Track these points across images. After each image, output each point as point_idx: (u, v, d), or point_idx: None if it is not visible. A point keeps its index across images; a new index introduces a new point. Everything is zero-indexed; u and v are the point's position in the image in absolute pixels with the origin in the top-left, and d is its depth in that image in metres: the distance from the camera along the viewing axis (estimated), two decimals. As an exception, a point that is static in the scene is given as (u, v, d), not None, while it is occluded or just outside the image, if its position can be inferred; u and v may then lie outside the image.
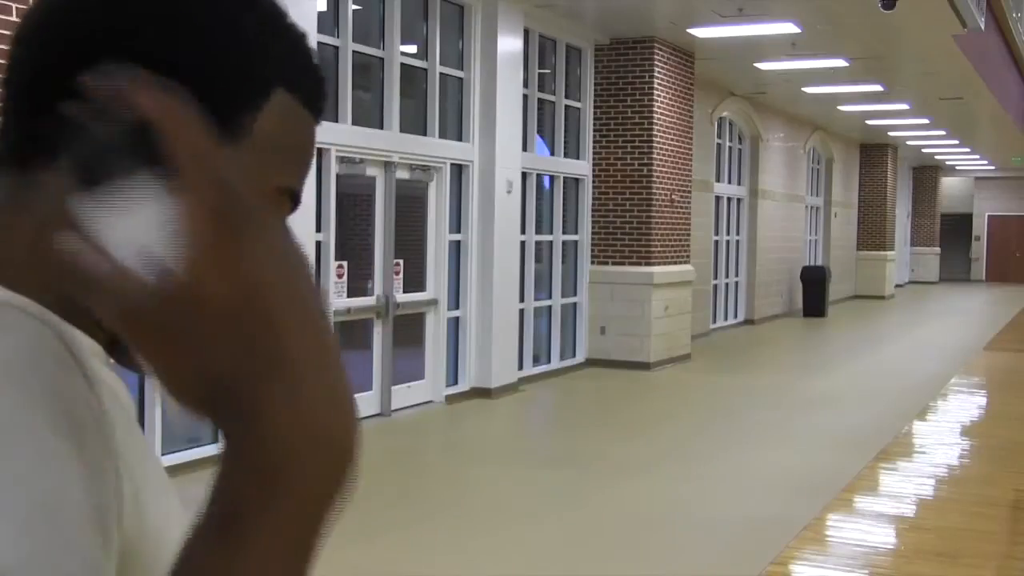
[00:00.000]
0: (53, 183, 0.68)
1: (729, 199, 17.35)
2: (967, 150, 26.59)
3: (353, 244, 8.91)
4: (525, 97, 10.77)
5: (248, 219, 0.52)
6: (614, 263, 12.17)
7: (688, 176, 13.02)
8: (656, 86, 11.96)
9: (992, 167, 31.92)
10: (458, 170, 9.93)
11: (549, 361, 11.83)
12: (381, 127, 8.99)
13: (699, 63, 12.93)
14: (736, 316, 17.88)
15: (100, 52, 0.67)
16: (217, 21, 0.70)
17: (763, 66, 13.71)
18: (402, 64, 9.13)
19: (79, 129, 0.52)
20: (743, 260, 18.09)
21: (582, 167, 12.15)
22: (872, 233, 25.18)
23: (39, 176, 0.68)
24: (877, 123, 20.55)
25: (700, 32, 11.56)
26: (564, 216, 12.01)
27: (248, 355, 0.52)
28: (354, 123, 8.57)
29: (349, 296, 8.66)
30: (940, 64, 13.76)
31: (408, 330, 9.40)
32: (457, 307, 10.03)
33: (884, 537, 6.11)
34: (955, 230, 34.23)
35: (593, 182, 12.23)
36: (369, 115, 8.98)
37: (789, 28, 11.22)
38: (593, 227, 12.25)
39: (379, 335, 9.03)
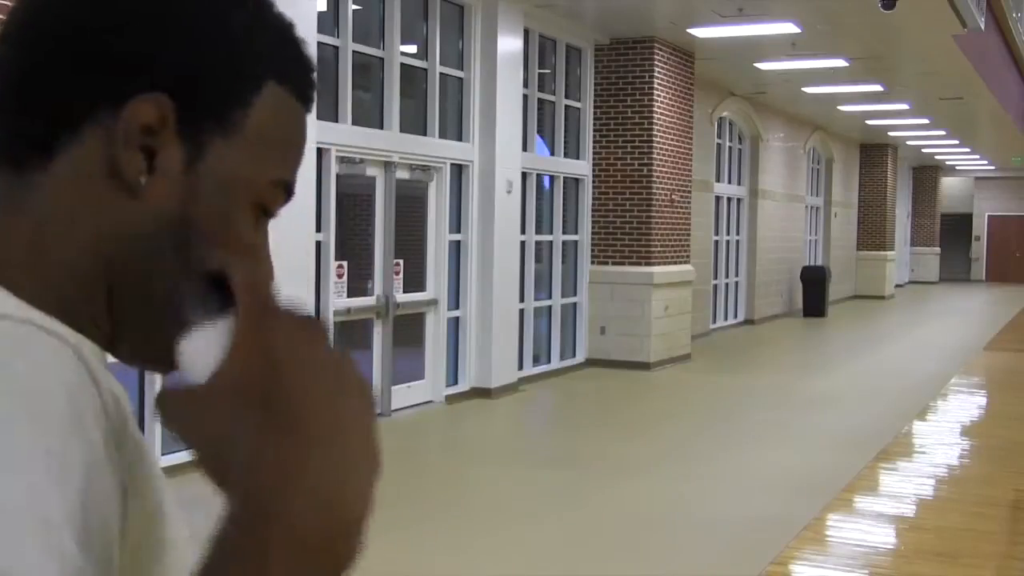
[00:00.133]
0: (48, 184, 0.68)
1: (729, 199, 17.35)
2: (967, 150, 26.58)
3: (353, 244, 8.91)
4: (525, 97, 10.77)
5: (287, 325, 0.61)
6: (614, 263, 12.17)
7: (688, 176, 13.02)
8: (656, 86, 11.96)
9: (992, 167, 31.91)
10: (458, 170, 9.93)
11: (549, 361, 11.83)
12: (381, 127, 8.99)
13: (699, 63, 12.93)
14: (736, 316, 17.88)
15: (87, 51, 0.67)
16: (206, 18, 0.70)
17: (763, 66, 13.71)
18: (402, 64, 9.13)
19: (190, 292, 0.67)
20: (743, 260, 18.09)
21: (582, 167, 12.15)
22: (872, 233, 25.18)
23: (34, 177, 0.68)
24: (877, 123, 20.55)
25: (700, 32, 11.56)
26: (564, 216, 12.01)
27: (258, 430, 0.57)
28: (354, 123, 8.57)
29: (349, 296, 8.66)
30: (940, 64, 13.76)
31: (408, 330, 9.40)
32: (457, 307, 10.03)
33: (884, 537, 6.11)
34: (955, 230, 34.23)
35: (593, 182, 12.23)
36: (369, 115, 8.98)
37: (789, 28, 11.22)
38: (593, 227, 12.25)
39: (379, 335, 9.03)
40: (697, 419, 9.75)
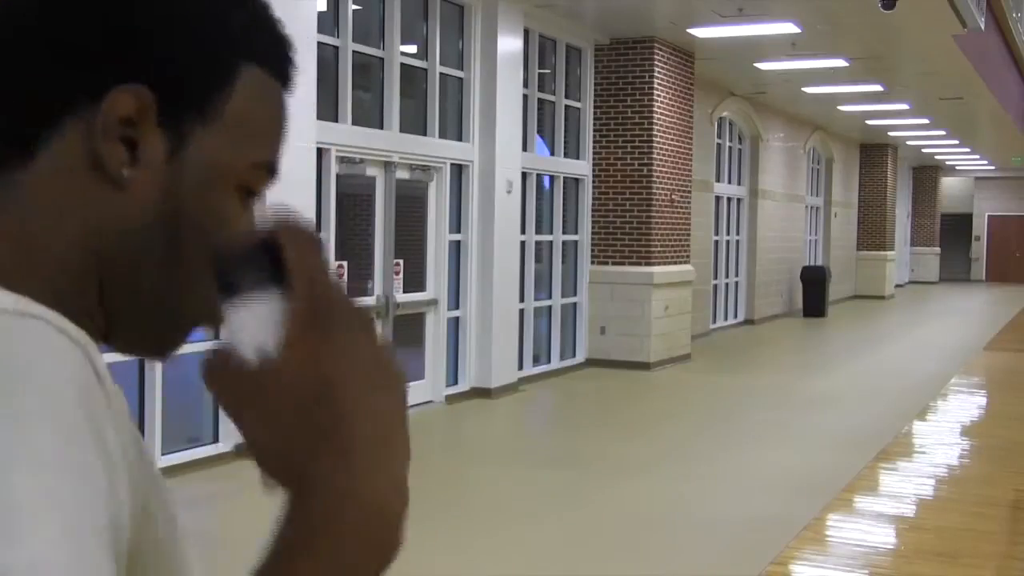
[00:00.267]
0: (31, 182, 0.67)
1: (729, 199, 17.35)
2: (967, 150, 26.58)
3: (353, 244, 8.91)
4: (525, 97, 10.77)
5: (340, 325, 0.63)
6: (614, 263, 12.17)
7: (688, 176, 13.02)
8: (656, 86, 11.96)
9: (992, 167, 31.91)
10: (458, 170, 9.93)
11: (549, 361, 11.83)
12: (381, 127, 8.99)
13: (699, 63, 12.93)
14: (736, 316, 17.87)
15: (62, 45, 0.67)
16: (179, 5, 0.69)
17: (763, 66, 13.71)
18: (402, 64, 9.12)
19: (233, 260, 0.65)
20: (743, 260, 18.08)
21: (582, 167, 12.15)
22: (872, 233, 25.18)
23: (16, 176, 0.68)
24: (877, 123, 20.54)
25: (700, 32, 11.56)
26: (564, 216, 12.01)
27: (309, 435, 0.61)
28: (354, 123, 8.57)
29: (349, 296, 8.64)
30: (940, 64, 13.76)
31: (408, 330, 9.40)
32: (457, 307, 10.03)
33: (884, 537, 6.11)
34: (955, 230, 34.22)
35: (593, 182, 12.23)
36: (369, 115, 8.98)
37: (789, 28, 11.22)
38: (593, 227, 12.25)
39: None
40: (697, 419, 9.75)
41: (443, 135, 9.72)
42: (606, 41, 12.01)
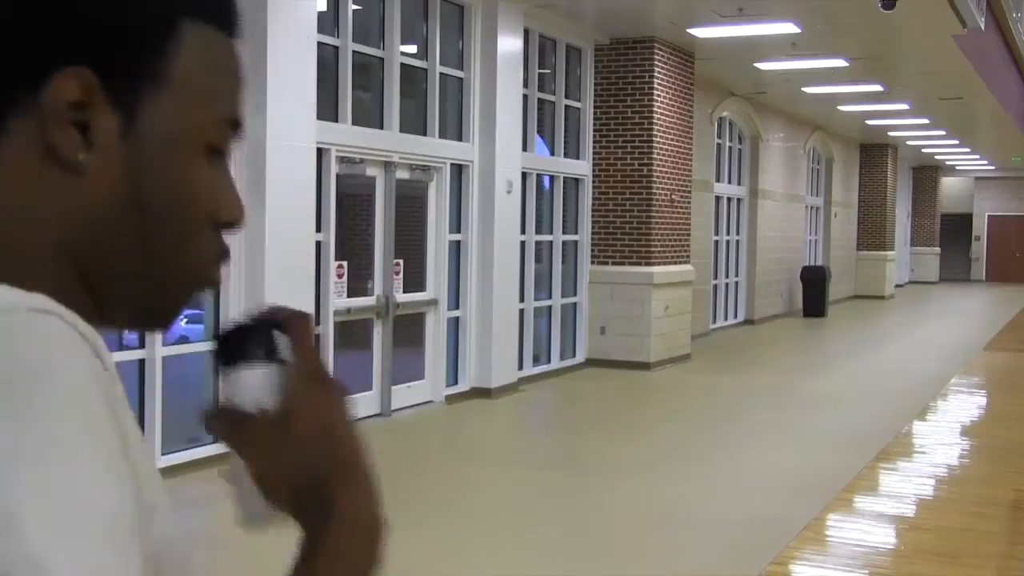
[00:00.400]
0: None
1: (729, 199, 17.35)
2: (967, 150, 26.58)
3: (353, 244, 8.91)
4: (525, 97, 10.77)
5: (330, 386, 0.77)
6: (614, 263, 12.17)
7: (688, 176, 13.02)
8: (656, 86, 11.96)
9: (992, 167, 31.90)
10: (458, 170, 9.93)
11: (549, 361, 11.83)
12: (381, 127, 8.99)
13: (699, 63, 12.93)
14: (736, 316, 17.87)
15: None
16: None
17: (763, 66, 13.71)
18: (402, 64, 9.12)
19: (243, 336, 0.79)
20: (743, 260, 18.08)
21: (582, 167, 12.15)
22: (872, 233, 25.18)
23: None
24: (877, 123, 20.54)
25: (700, 32, 11.56)
26: (564, 216, 12.01)
27: (327, 468, 0.75)
28: (354, 123, 8.57)
29: (349, 296, 8.65)
30: (940, 64, 13.76)
31: (408, 330, 9.40)
32: (457, 307, 10.03)
33: (884, 537, 6.10)
34: (955, 230, 34.22)
35: (593, 182, 12.23)
36: (369, 115, 8.98)
37: (789, 28, 11.22)
38: (593, 227, 12.25)
39: (379, 335, 9.03)
40: (697, 419, 9.75)
41: (443, 135, 9.72)
42: (606, 41, 12.01)
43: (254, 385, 0.76)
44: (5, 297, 0.62)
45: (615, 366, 11.99)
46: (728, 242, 17.40)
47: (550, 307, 11.89)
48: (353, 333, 8.84)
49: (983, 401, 11.63)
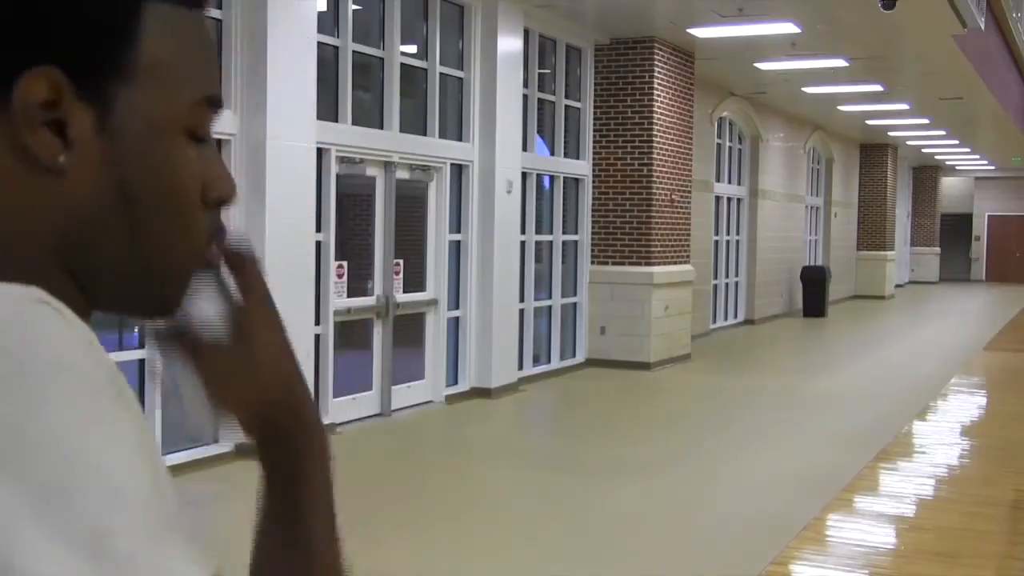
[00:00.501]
0: None
1: (729, 199, 17.35)
2: (967, 150, 26.58)
3: (353, 244, 8.91)
4: (525, 97, 10.77)
5: (280, 325, 0.82)
6: (614, 263, 12.17)
7: (688, 176, 13.02)
8: (656, 86, 11.96)
9: (992, 167, 31.91)
10: (458, 170, 9.93)
11: (549, 361, 11.83)
12: (381, 127, 8.99)
13: (699, 63, 12.93)
14: (736, 316, 17.87)
15: None
16: None
17: (763, 66, 13.71)
18: (402, 64, 9.12)
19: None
20: (743, 260, 18.08)
21: (582, 167, 12.15)
22: (872, 233, 25.17)
23: None
24: (877, 123, 20.54)
25: (700, 32, 11.56)
26: (564, 216, 12.01)
27: (286, 400, 0.81)
28: (354, 123, 8.57)
29: (349, 296, 8.65)
30: (940, 64, 13.76)
31: (408, 330, 9.40)
32: (457, 307, 10.03)
33: (884, 537, 6.11)
34: (955, 230, 34.21)
35: (593, 182, 12.23)
36: (369, 115, 8.98)
37: (789, 28, 11.22)
38: (593, 227, 12.25)
39: (379, 335, 9.03)
40: (697, 419, 9.75)
41: (443, 135, 9.72)
42: (606, 41, 12.01)
43: (208, 315, 0.79)
44: (8, 289, 0.61)
45: (615, 366, 12.00)
46: (728, 242, 17.40)
47: (550, 307, 11.89)
48: (353, 333, 8.84)
49: (983, 401, 11.63)
